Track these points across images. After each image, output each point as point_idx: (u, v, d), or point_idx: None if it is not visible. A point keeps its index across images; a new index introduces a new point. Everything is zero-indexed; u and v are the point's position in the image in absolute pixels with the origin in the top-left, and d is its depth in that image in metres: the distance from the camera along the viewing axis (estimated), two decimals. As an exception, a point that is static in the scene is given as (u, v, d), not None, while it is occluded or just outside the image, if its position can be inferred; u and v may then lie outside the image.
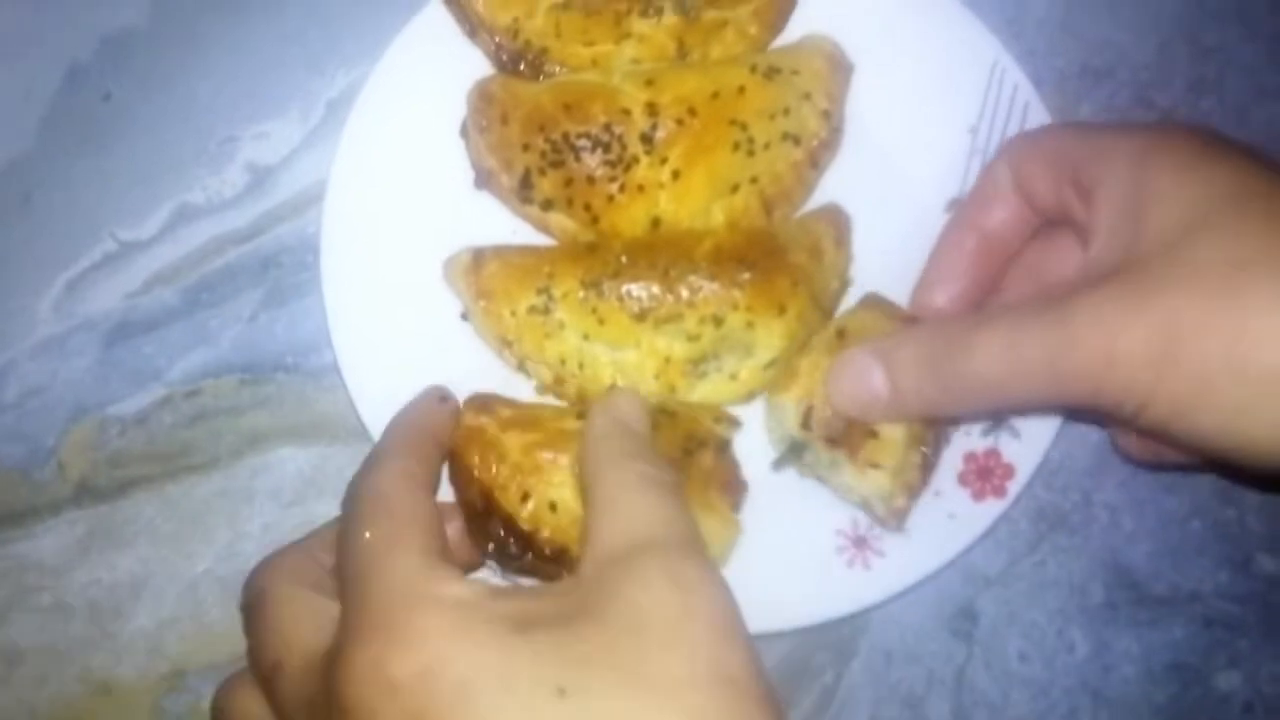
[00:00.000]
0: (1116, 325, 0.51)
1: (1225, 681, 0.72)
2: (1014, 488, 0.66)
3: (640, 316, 0.65)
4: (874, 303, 0.67)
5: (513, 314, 0.66)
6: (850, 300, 0.69)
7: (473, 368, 0.67)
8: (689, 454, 0.62)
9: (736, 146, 0.67)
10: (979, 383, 0.56)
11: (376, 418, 0.65)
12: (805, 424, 0.63)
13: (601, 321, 0.65)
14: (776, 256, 0.66)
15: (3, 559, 0.71)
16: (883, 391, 0.60)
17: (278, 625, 0.51)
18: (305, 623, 0.50)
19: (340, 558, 0.51)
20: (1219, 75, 0.78)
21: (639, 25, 0.69)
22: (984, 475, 0.66)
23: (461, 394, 0.64)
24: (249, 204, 0.75)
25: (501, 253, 0.68)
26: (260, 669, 0.51)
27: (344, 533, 0.51)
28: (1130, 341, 0.51)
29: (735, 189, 0.68)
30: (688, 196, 0.67)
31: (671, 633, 0.44)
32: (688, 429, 0.63)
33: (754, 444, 0.67)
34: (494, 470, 0.61)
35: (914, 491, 0.64)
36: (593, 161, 0.67)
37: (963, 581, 0.72)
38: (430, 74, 0.70)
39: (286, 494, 0.72)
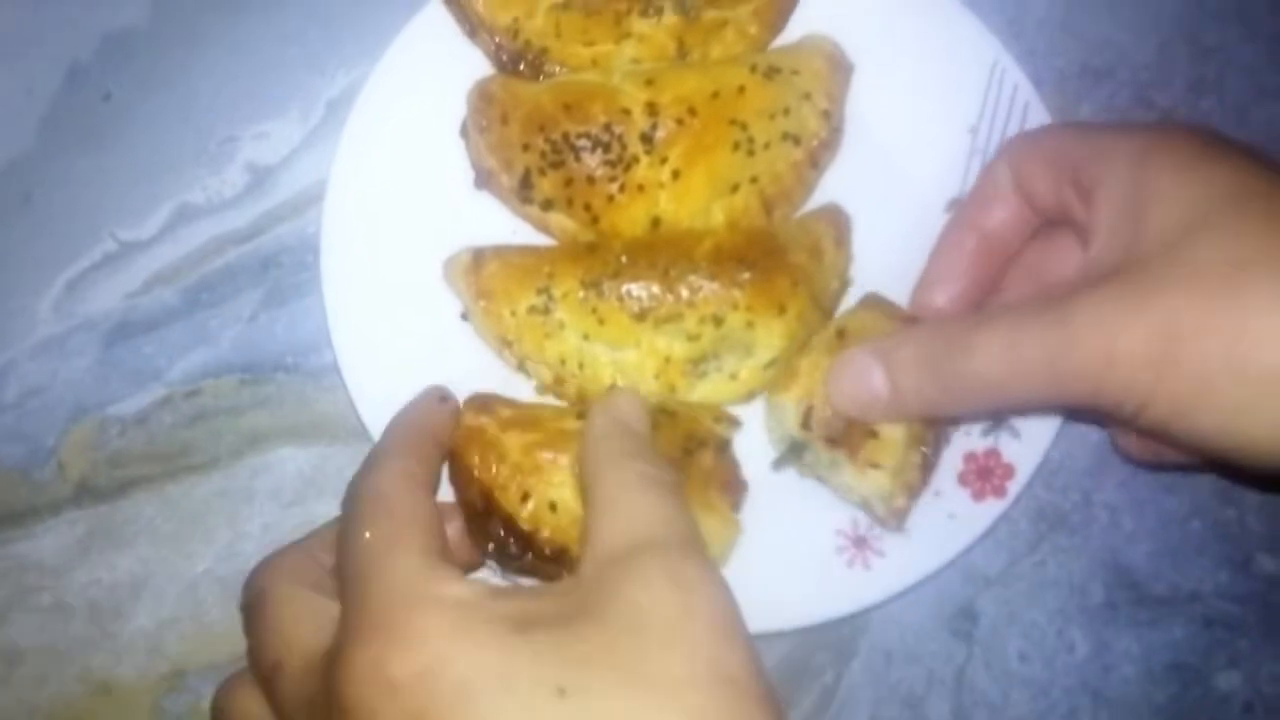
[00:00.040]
0: (1116, 325, 0.51)
1: (1225, 681, 0.72)
2: (1014, 488, 0.66)
3: (640, 316, 0.65)
4: (874, 303, 0.67)
5: (513, 314, 0.66)
6: (850, 300, 0.69)
7: (473, 368, 0.67)
8: (689, 454, 0.62)
9: (736, 146, 0.67)
10: (979, 383, 0.56)
11: (376, 418, 0.65)
12: (805, 424, 0.63)
13: (601, 321, 0.65)
14: (776, 256, 0.66)
15: (3, 559, 0.71)
16: (883, 391, 0.60)
17: (277, 625, 0.51)
18: (305, 623, 0.50)
19: (340, 558, 0.51)
20: (1219, 75, 0.78)
21: (639, 25, 0.69)
22: (984, 475, 0.66)
23: (462, 394, 0.65)
24: (249, 204, 0.75)
25: (501, 253, 0.68)
26: (260, 669, 0.51)
27: (344, 533, 0.51)
28: (1130, 341, 0.51)
29: (735, 189, 0.68)
30: (688, 196, 0.67)
31: (671, 632, 0.44)
32: (688, 429, 0.63)
33: (754, 444, 0.67)
34: (494, 470, 0.61)
35: (914, 491, 0.64)
36: (593, 161, 0.67)
37: (963, 581, 0.72)
38: (430, 74, 0.70)
39: (286, 494, 0.72)
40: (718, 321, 0.65)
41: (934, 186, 0.69)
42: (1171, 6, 0.78)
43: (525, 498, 0.61)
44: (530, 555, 0.61)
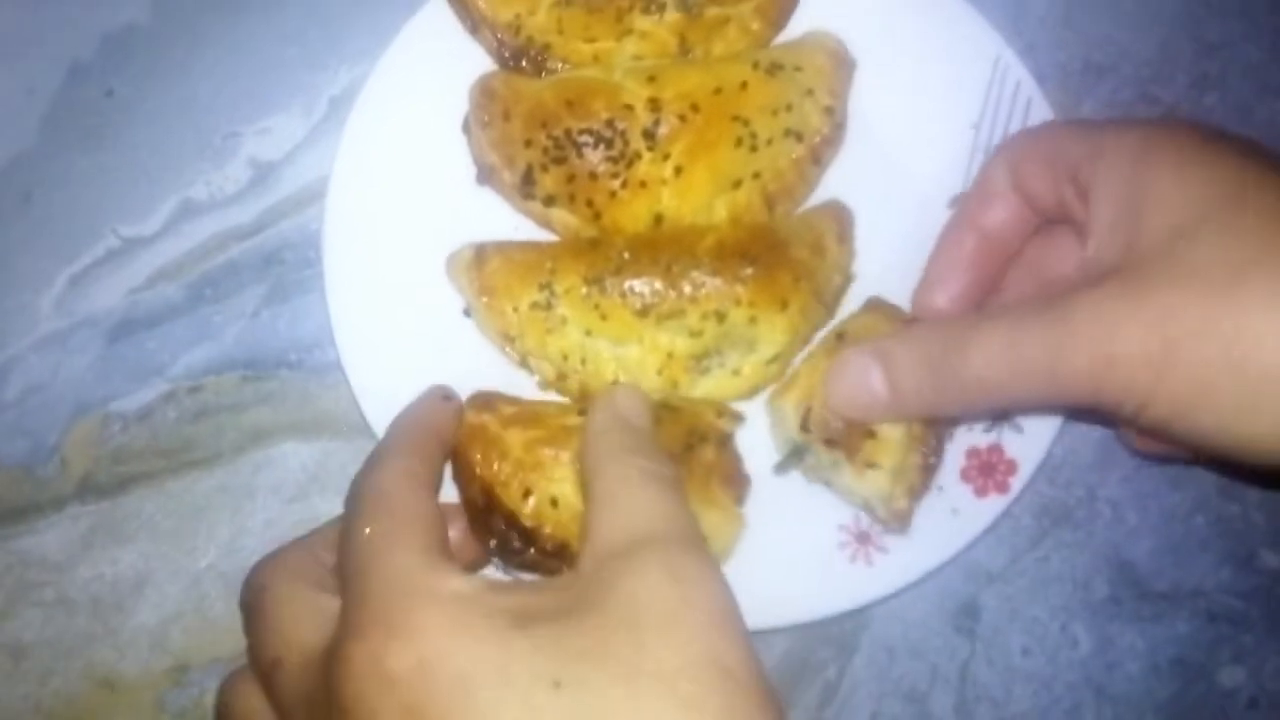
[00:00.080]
0: (1115, 326, 0.51)
1: (1229, 677, 0.72)
2: (1017, 483, 0.66)
3: (643, 312, 0.65)
4: (876, 306, 0.67)
5: (515, 310, 0.66)
6: (853, 296, 0.69)
7: (475, 364, 0.67)
8: (690, 449, 0.62)
9: (739, 142, 0.67)
10: (978, 383, 0.56)
11: (379, 414, 0.65)
12: (804, 426, 0.63)
13: (604, 317, 0.65)
14: (779, 252, 0.66)
15: (6, 555, 0.72)
16: (881, 392, 0.60)
17: (278, 622, 0.51)
18: (305, 620, 0.50)
19: (341, 555, 0.51)
20: (1222, 72, 0.78)
21: (641, 22, 0.69)
22: (987, 471, 0.66)
23: (464, 389, 0.65)
24: (252, 200, 0.75)
25: (503, 249, 0.68)
26: (260, 666, 0.51)
27: (345, 530, 0.51)
28: (1129, 342, 0.51)
29: (737, 185, 0.68)
30: (690, 192, 0.67)
31: (667, 625, 0.44)
32: (689, 423, 0.63)
33: (757, 440, 0.67)
34: (495, 467, 0.61)
35: (916, 493, 0.64)
36: (595, 157, 0.67)
37: (965, 577, 0.72)
38: (432, 70, 0.70)
39: (289, 490, 0.72)
40: (720, 317, 0.65)
41: (936, 183, 0.69)
42: (1173, 3, 0.78)
43: (527, 494, 0.61)
44: (533, 551, 0.61)
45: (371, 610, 0.46)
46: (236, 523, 0.72)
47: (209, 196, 0.75)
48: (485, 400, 0.64)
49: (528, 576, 0.62)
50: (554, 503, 0.61)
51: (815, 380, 0.63)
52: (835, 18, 0.70)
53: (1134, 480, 0.73)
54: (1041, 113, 0.69)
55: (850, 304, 0.69)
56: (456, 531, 0.61)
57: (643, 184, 0.67)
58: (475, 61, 0.70)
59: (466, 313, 0.68)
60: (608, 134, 0.66)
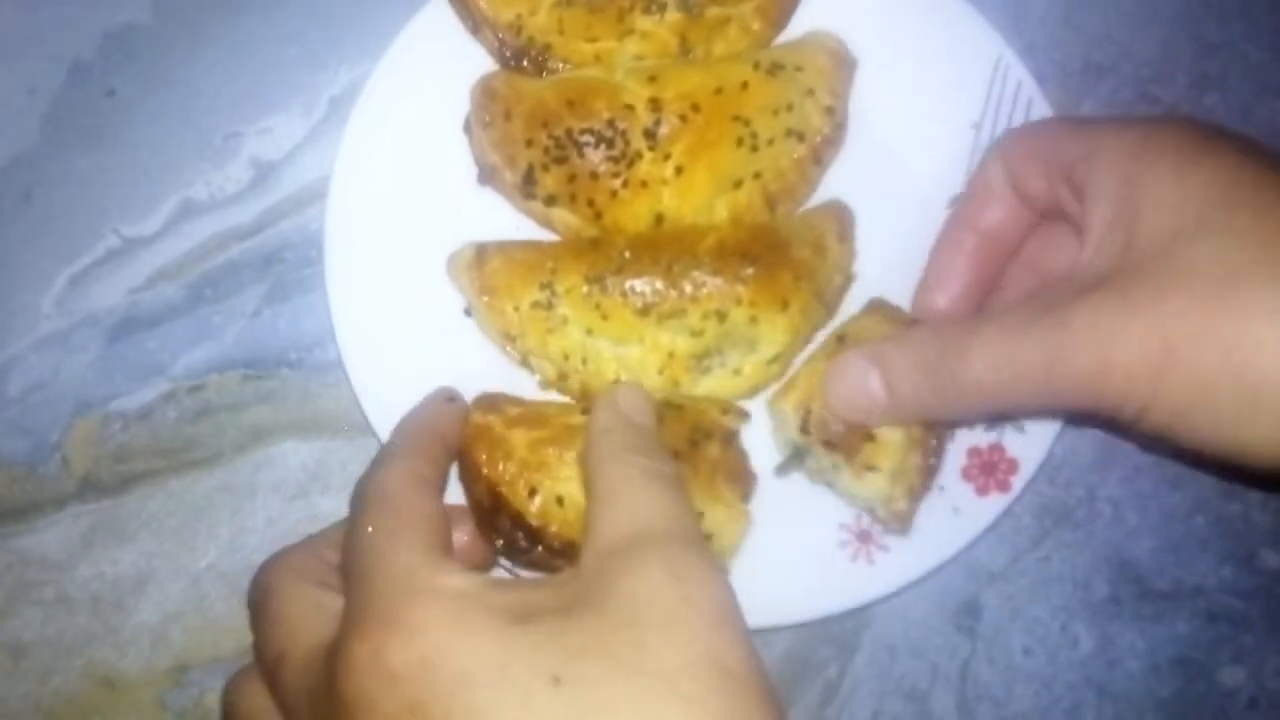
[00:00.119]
0: (1112, 333, 0.51)
1: (1230, 677, 0.72)
2: (1018, 482, 0.66)
3: (644, 312, 0.65)
4: (877, 307, 0.67)
5: (516, 309, 0.66)
6: (854, 295, 0.69)
7: (476, 364, 0.67)
8: (695, 445, 0.62)
9: (740, 142, 0.67)
10: (977, 388, 0.56)
11: (380, 413, 0.65)
12: (804, 428, 0.63)
13: (605, 317, 0.65)
14: (780, 252, 0.66)
15: (7, 553, 0.72)
16: (880, 396, 0.60)
17: (282, 619, 0.51)
18: (309, 617, 0.50)
19: (345, 554, 0.51)
20: (1222, 72, 0.78)
21: (642, 22, 0.70)
22: (988, 470, 0.66)
23: (465, 389, 0.65)
24: (252, 200, 0.75)
25: (504, 248, 0.68)
26: (265, 662, 0.51)
27: (349, 529, 0.52)
28: (1127, 350, 0.50)
29: (738, 185, 0.68)
30: (691, 192, 0.67)
31: (668, 623, 0.44)
32: (694, 421, 0.63)
33: (758, 439, 0.67)
34: (501, 467, 0.62)
35: (915, 494, 0.63)
36: (596, 157, 0.67)
37: (966, 576, 0.72)
38: (433, 70, 0.70)
39: (290, 488, 0.72)
40: (721, 317, 0.65)
41: (937, 182, 0.69)
42: (1173, 2, 0.78)
43: (532, 493, 0.61)
44: (539, 550, 0.61)
45: (374, 607, 0.46)
46: (237, 522, 0.72)
47: (209, 196, 0.75)
48: (490, 401, 0.65)
49: (535, 576, 0.62)
50: (560, 502, 0.61)
51: (815, 383, 0.63)
52: (836, 18, 0.70)
53: (1134, 480, 0.73)
54: (1041, 113, 0.69)
55: (851, 304, 0.69)
56: (465, 534, 0.62)
57: (644, 184, 0.67)
58: (476, 61, 0.70)
59: (467, 312, 0.68)
60: (609, 134, 0.66)
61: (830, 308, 0.68)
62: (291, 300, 0.74)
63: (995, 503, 0.66)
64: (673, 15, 0.69)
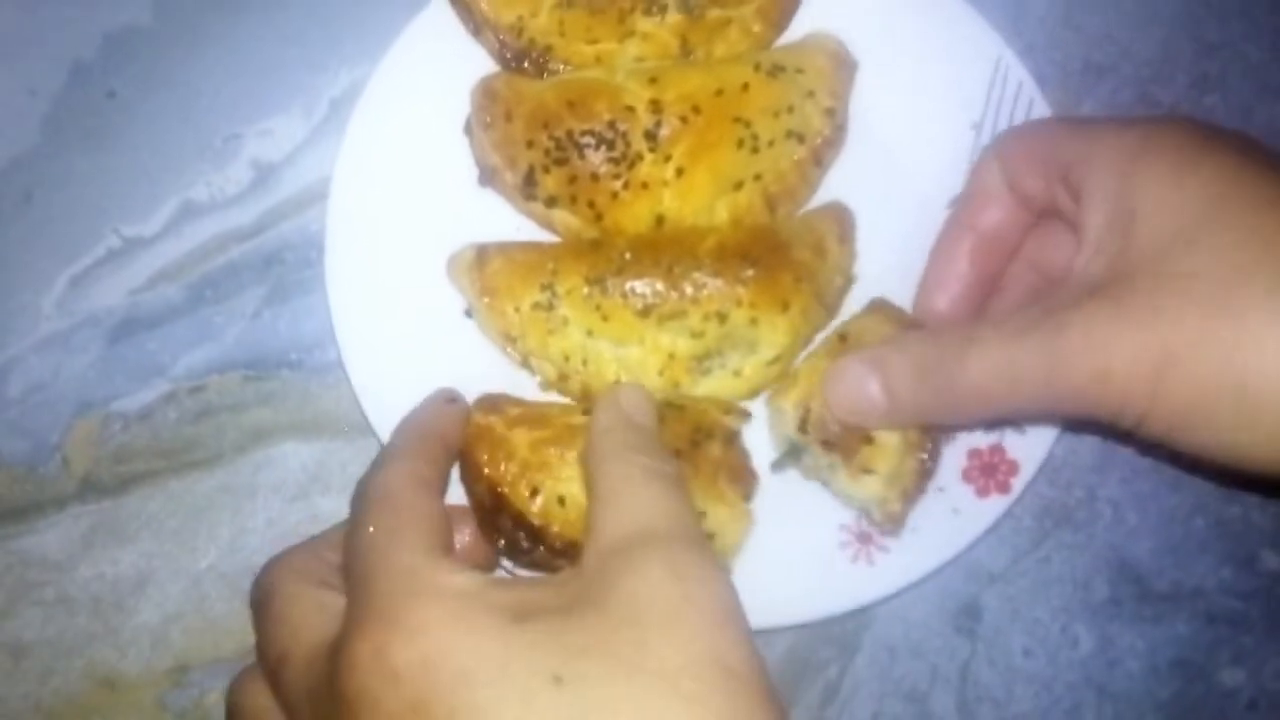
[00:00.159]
0: (1109, 342, 0.51)
1: (1229, 678, 0.72)
2: (1018, 484, 0.66)
3: (644, 313, 0.65)
4: (879, 307, 0.67)
5: (516, 310, 0.66)
6: (855, 297, 0.69)
7: (476, 365, 0.67)
8: (696, 445, 0.62)
9: (740, 144, 0.67)
10: (975, 394, 0.56)
11: (380, 414, 0.65)
12: (803, 427, 0.63)
13: (605, 318, 0.65)
14: (780, 253, 0.66)
15: (7, 554, 0.72)
16: (879, 400, 0.60)
17: (284, 619, 0.51)
18: (311, 616, 0.50)
19: (346, 553, 0.51)
20: (1222, 72, 0.78)
21: (643, 23, 0.70)
22: (988, 471, 0.66)
23: (465, 390, 0.65)
24: (253, 201, 0.75)
25: (505, 249, 0.68)
26: (267, 662, 0.51)
27: (350, 529, 0.52)
28: (1124, 360, 0.50)
29: (739, 186, 0.68)
30: (691, 193, 0.67)
31: (669, 622, 0.44)
32: (696, 420, 0.63)
33: (758, 440, 0.67)
34: (502, 467, 0.62)
35: (909, 497, 0.63)
36: (597, 158, 0.67)
37: (967, 577, 0.72)
38: (434, 72, 0.70)
39: (290, 489, 0.72)
40: (721, 318, 0.65)
41: (937, 183, 0.69)
42: (1173, 3, 0.78)
43: (534, 493, 0.61)
44: (541, 550, 0.61)
45: (375, 606, 0.46)
46: (238, 522, 0.72)
47: (210, 197, 0.75)
48: (492, 402, 0.65)
49: (536, 576, 0.62)
50: (561, 501, 0.61)
51: (815, 381, 0.63)
52: (836, 19, 0.70)
53: (1134, 481, 0.73)
54: (1041, 113, 0.69)
55: (851, 305, 0.69)
56: (466, 534, 0.62)
57: (644, 185, 0.67)
58: (477, 63, 0.70)
59: (468, 313, 0.68)
60: (609, 135, 0.66)
61: (830, 309, 0.68)
62: (292, 301, 0.74)
63: (995, 504, 0.66)
64: (673, 17, 0.69)
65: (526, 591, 0.47)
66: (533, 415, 0.64)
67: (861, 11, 0.70)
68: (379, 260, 0.68)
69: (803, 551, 0.65)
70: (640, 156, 0.67)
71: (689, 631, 0.44)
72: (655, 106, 0.66)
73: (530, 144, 0.67)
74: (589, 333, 0.66)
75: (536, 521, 0.61)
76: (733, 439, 0.64)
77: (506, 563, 0.64)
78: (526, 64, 0.70)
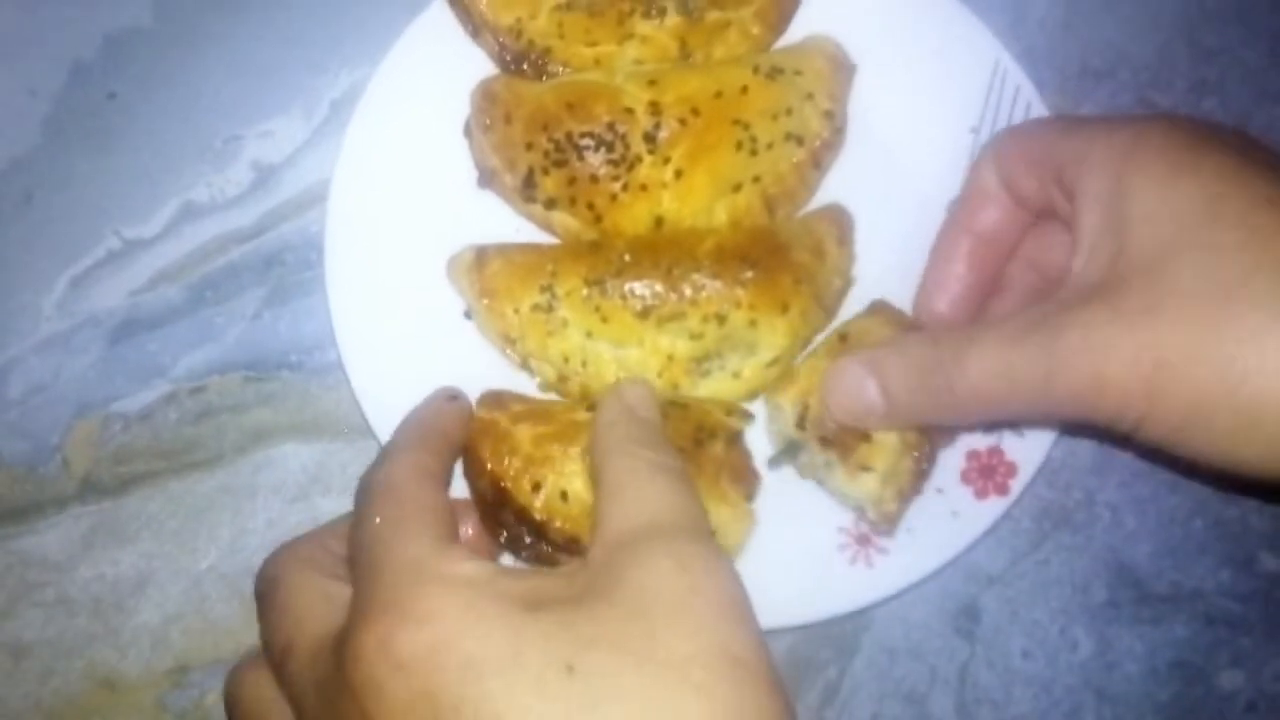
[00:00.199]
0: (1105, 348, 0.51)
1: (1228, 680, 0.72)
2: (1017, 486, 0.66)
3: (643, 315, 0.65)
4: (880, 309, 0.67)
5: (516, 312, 0.67)
6: (854, 299, 0.69)
7: (476, 366, 0.67)
8: (699, 445, 0.62)
9: (739, 146, 0.67)
10: (973, 397, 0.56)
11: (380, 415, 0.65)
12: (800, 424, 0.63)
13: (605, 319, 0.66)
14: (779, 255, 0.66)
15: (7, 554, 0.72)
16: (877, 402, 0.60)
17: (290, 609, 0.51)
18: (317, 606, 0.50)
19: (352, 544, 0.51)
20: (1220, 77, 0.78)
21: (642, 26, 0.70)
22: (987, 473, 0.66)
23: (465, 391, 0.65)
24: (253, 202, 0.75)
25: (504, 251, 0.68)
26: (272, 652, 0.51)
27: (355, 521, 0.52)
28: (1120, 367, 0.50)
29: (738, 188, 0.68)
30: (690, 195, 0.67)
31: (677, 613, 0.44)
32: (698, 420, 0.63)
33: (757, 441, 0.67)
34: (505, 462, 0.62)
35: (905, 496, 0.63)
36: (596, 161, 0.67)
37: (965, 579, 0.72)
38: (433, 74, 0.70)
39: (290, 490, 0.72)
40: (720, 320, 0.65)
41: (936, 186, 0.69)
42: (1172, 7, 0.79)
43: (537, 488, 0.61)
44: (543, 545, 0.61)
45: (382, 596, 0.46)
46: (238, 523, 0.72)
47: (210, 199, 0.75)
48: (495, 398, 0.65)
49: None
50: (564, 496, 0.61)
51: (815, 379, 0.63)
52: (835, 22, 0.71)
53: (1133, 484, 0.73)
54: (1040, 116, 0.69)
55: (851, 307, 0.69)
56: (469, 528, 0.62)
57: (643, 187, 0.67)
58: (477, 65, 0.70)
59: (467, 315, 0.68)
60: (608, 137, 0.66)
61: (829, 311, 0.68)
62: (292, 303, 0.74)
63: (994, 506, 0.66)
64: (672, 19, 0.70)
65: (535, 581, 0.47)
66: (536, 411, 0.64)
67: (860, 14, 0.71)
68: (379, 262, 0.68)
69: (801, 553, 0.65)
70: (639, 158, 0.67)
71: (696, 622, 0.44)
72: (654, 109, 0.67)
73: (529, 146, 0.67)
74: (588, 334, 0.66)
75: (539, 516, 0.61)
76: (735, 439, 0.64)
77: (508, 558, 0.64)
78: (526, 66, 0.70)
